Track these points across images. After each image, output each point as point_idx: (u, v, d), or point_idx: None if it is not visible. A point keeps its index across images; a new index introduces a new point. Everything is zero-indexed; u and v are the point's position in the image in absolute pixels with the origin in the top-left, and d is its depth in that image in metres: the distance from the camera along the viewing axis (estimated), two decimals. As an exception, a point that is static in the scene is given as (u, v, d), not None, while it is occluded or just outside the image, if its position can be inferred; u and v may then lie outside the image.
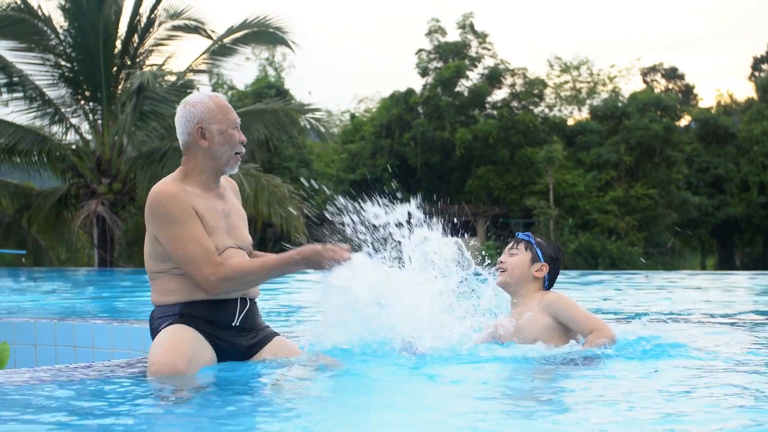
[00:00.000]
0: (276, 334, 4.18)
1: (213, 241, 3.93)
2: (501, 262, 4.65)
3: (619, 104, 38.98)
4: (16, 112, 22.97)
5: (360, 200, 4.30)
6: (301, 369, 3.83)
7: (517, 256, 4.63)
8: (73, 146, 23.40)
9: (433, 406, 3.27)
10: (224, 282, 3.86)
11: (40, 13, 22.48)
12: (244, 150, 4.10)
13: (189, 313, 3.92)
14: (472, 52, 39.84)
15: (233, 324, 3.99)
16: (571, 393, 3.55)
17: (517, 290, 4.60)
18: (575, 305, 4.52)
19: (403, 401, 3.35)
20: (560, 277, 4.71)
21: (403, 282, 4.20)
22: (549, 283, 4.66)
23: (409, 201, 4.46)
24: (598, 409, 3.18)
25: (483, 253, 4.73)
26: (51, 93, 23.03)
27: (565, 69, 43.24)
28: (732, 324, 6.58)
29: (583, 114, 42.26)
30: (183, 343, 3.82)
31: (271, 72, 44.63)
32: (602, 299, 10.72)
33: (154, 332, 3.97)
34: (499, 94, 39.93)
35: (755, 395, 3.44)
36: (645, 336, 4.56)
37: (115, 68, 23.17)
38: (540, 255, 4.62)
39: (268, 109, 23.05)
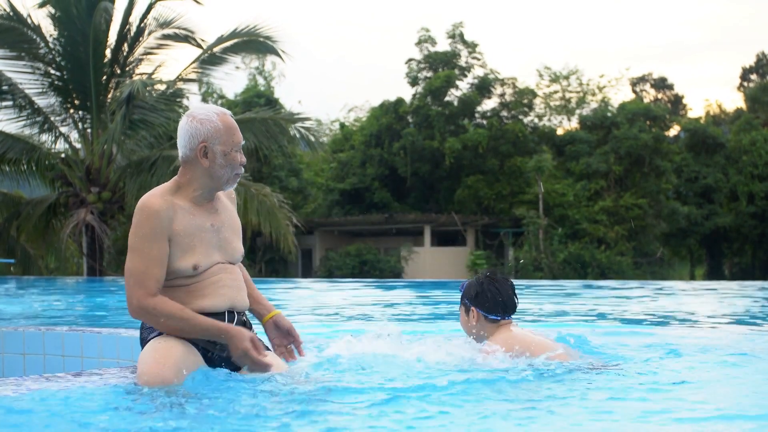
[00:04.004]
0: (266, 348, 4.15)
1: (196, 258, 3.92)
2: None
3: (609, 114, 39.09)
4: (5, 121, 22.93)
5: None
6: (285, 384, 3.80)
7: (461, 316, 4.68)
8: (63, 155, 23.35)
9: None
10: (144, 311, 3.84)
11: (29, 21, 22.43)
12: (243, 170, 4.08)
13: (178, 325, 3.90)
14: (462, 62, 39.92)
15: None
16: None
17: (483, 339, 4.56)
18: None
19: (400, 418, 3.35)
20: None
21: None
22: (490, 311, 4.55)
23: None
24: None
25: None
26: (40, 101, 22.99)
27: (555, 79, 43.37)
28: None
29: (573, 124, 42.40)
30: (172, 354, 3.81)
31: (261, 81, 44.71)
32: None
33: (143, 341, 3.96)
34: (488, 104, 40.05)
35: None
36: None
37: (104, 77, 23.13)
38: (467, 302, 4.61)
39: (257, 118, 23.03)
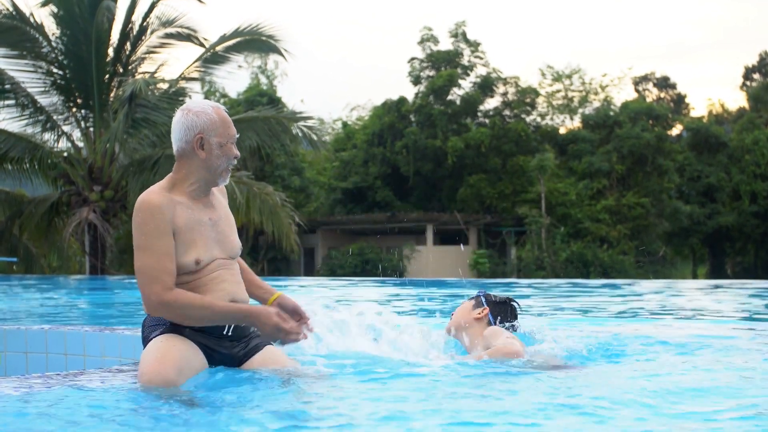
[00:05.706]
0: (267, 343, 4.15)
1: (197, 253, 3.92)
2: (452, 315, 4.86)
3: (611, 113, 39.07)
4: (7, 120, 22.95)
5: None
6: (289, 380, 3.81)
7: (461, 305, 4.83)
8: (65, 154, 23.35)
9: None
10: (164, 306, 3.81)
11: (32, 20, 22.45)
12: (235, 162, 4.10)
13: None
14: (465, 61, 39.93)
15: (224, 333, 3.98)
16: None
17: (464, 335, 4.70)
18: (500, 335, 4.54)
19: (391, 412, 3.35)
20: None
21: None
22: (495, 317, 4.75)
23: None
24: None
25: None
26: (43, 100, 23.00)
27: (557, 78, 43.35)
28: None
29: (575, 123, 42.38)
30: (174, 353, 3.81)
31: (263, 80, 44.70)
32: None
33: (145, 340, 3.96)
34: (491, 103, 40.06)
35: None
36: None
37: (107, 76, 23.15)
38: (483, 301, 4.80)
39: (260, 117, 23.03)
